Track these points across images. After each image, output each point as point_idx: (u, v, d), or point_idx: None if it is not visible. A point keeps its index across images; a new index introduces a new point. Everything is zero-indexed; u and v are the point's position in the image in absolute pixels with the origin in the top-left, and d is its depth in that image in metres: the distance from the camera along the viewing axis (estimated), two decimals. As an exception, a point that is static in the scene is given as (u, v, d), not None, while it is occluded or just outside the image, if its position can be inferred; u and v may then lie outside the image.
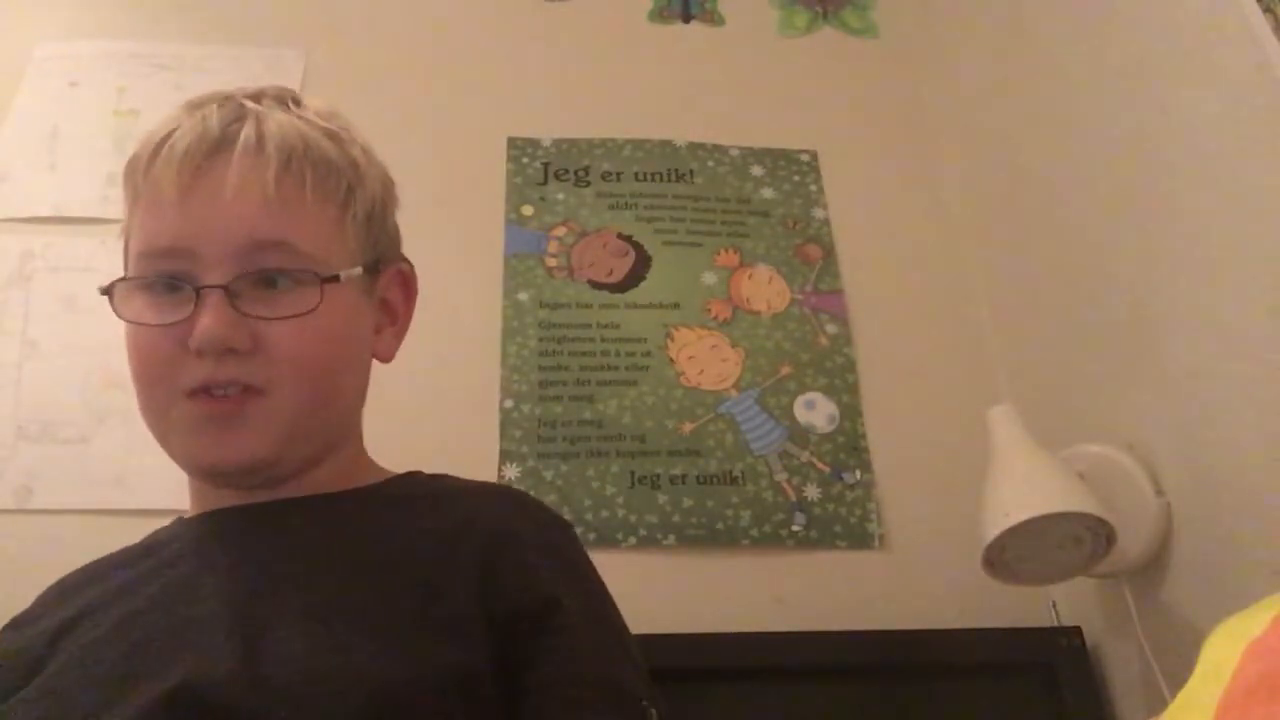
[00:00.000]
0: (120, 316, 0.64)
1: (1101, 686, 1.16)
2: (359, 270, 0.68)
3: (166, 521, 0.72)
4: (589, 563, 0.69)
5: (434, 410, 1.31)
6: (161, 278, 0.63)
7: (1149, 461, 1.07)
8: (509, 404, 1.37)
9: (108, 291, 0.65)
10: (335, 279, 0.65)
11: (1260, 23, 0.92)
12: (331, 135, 0.69)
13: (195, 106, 0.67)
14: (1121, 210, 1.16)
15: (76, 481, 1.27)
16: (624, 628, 0.67)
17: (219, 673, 0.52)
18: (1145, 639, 1.04)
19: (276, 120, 0.66)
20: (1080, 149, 1.26)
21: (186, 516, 0.70)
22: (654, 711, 0.60)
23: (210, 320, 0.61)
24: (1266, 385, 0.93)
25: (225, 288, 0.62)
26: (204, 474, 0.66)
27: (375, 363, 0.73)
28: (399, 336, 0.75)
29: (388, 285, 0.73)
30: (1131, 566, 1.06)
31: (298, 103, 0.70)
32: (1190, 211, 1.04)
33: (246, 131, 0.65)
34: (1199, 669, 0.50)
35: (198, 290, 0.62)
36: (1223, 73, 1.00)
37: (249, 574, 0.60)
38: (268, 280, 0.63)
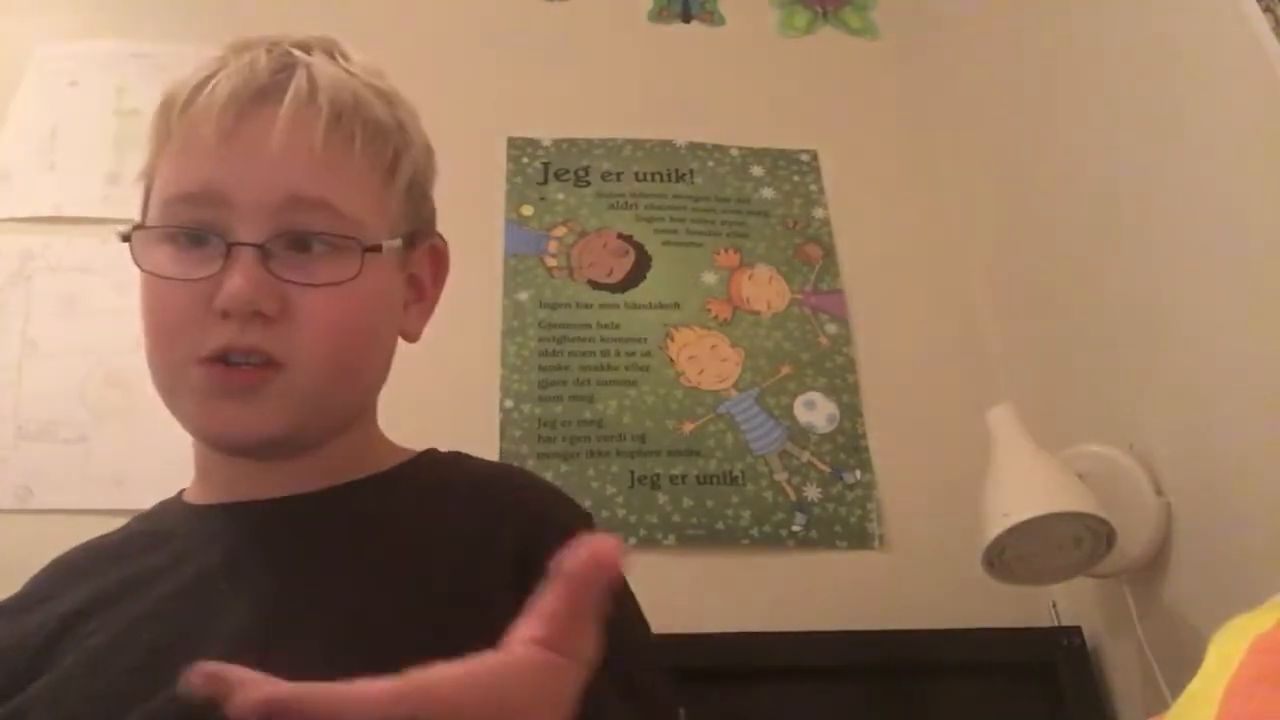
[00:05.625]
0: (140, 267, 0.60)
1: (1101, 686, 1.16)
2: (398, 242, 0.64)
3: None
4: None
5: (434, 410, 1.30)
6: (188, 228, 0.59)
7: (1149, 461, 1.07)
8: (509, 404, 1.37)
9: (127, 238, 0.60)
10: (377, 249, 0.61)
11: (1260, 22, 0.92)
12: (381, 94, 0.66)
13: (240, 49, 0.63)
14: (1122, 210, 1.16)
15: (76, 481, 1.27)
16: (648, 627, 0.65)
17: None
18: (1145, 639, 1.04)
19: (327, 73, 0.63)
20: (1080, 149, 1.26)
21: (193, 502, 0.65)
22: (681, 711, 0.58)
23: (241, 280, 0.56)
24: (1266, 386, 0.93)
25: (260, 246, 0.57)
26: (213, 443, 0.62)
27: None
28: (425, 315, 0.71)
29: (419, 260, 0.69)
30: (1131, 566, 1.06)
31: (345, 56, 0.67)
32: (1190, 211, 1.04)
33: (298, 81, 0.61)
34: (1205, 663, 0.50)
35: (229, 246, 0.57)
36: (1223, 73, 1.00)
37: (264, 587, 0.56)
38: (302, 243, 0.59)
